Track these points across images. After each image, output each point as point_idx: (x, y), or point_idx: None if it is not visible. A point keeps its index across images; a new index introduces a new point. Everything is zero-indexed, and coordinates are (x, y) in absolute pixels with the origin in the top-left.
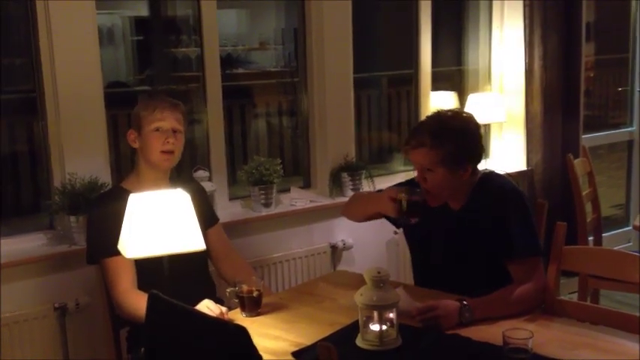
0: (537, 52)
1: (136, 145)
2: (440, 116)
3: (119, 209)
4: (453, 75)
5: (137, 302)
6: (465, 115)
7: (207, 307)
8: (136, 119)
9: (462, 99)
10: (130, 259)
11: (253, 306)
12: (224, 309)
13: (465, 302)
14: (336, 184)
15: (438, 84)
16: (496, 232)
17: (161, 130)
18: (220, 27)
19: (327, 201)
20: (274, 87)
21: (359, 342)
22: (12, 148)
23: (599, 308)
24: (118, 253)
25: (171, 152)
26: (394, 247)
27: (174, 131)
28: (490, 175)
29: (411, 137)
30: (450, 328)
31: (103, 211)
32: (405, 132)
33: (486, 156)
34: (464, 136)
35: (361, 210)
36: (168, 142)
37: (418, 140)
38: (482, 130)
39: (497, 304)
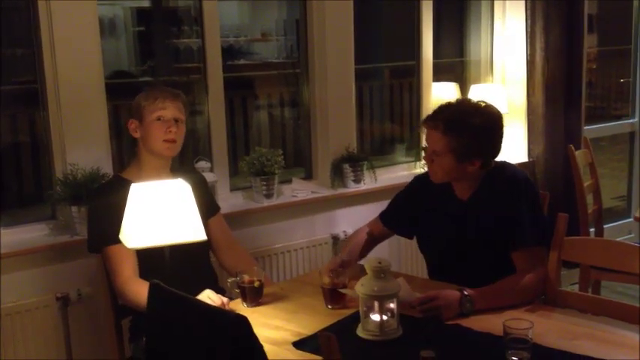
0: (539, 44)
1: (137, 135)
2: (465, 106)
3: (119, 199)
4: (455, 66)
5: (139, 290)
6: (490, 111)
7: (208, 297)
8: (137, 109)
9: (463, 90)
10: (131, 251)
11: (254, 296)
12: (225, 299)
13: (465, 292)
14: (337, 175)
15: (439, 75)
16: (504, 221)
17: (163, 120)
18: (222, 18)
19: (328, 192)
20: (276, 78)
21: (359, 332)
22: (14, 138)
23: (600, 299)
24: (119, 241)
25: (173, 141)
26: (395, 238)
27: (176, 120)
28: (502, 165)
29: (431, 116)
30: (451, 319)
31: (103, 201)
32: (407, 123)
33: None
34: (479, 133)
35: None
36: (170, 131)
37: (435, 122)
38: (503, 128)
39: (498, 294)
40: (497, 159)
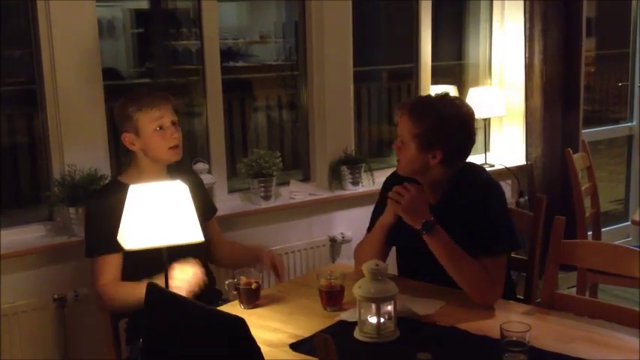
0: (538, 47)
1: (135, 148)
2: (437, 97)
3: (116, 205)
4: (454, 69)
5: (118, 291)
6: (462, 108)
7: (180, 268)
8: (128, 121)
9: (462, 93)
10: (119, 259)
11: (252, 298)
12: (199, 269)
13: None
14: (335, 177)
15: (438, 78)
16: (472, 227)
17: (164, 128)
18: (221, 20)
19: (326, 194)
20: (274, 80)
21: (357, 334)
22: (11, 139)
23: (598, 302)
24: (108, 251)
25: (177, 146)
26: None
27: (174, 123)
28: (476, 169)
29: (402, 104)
30: (408, 212)
31: (100, 207)
32: None
33: (487, 150)
34: (442, 121)
35: (370, 244)
36: (175, 137)
37: (403, 110)
38: (473, 128)
39: (456, 251)
40: (476, 163)
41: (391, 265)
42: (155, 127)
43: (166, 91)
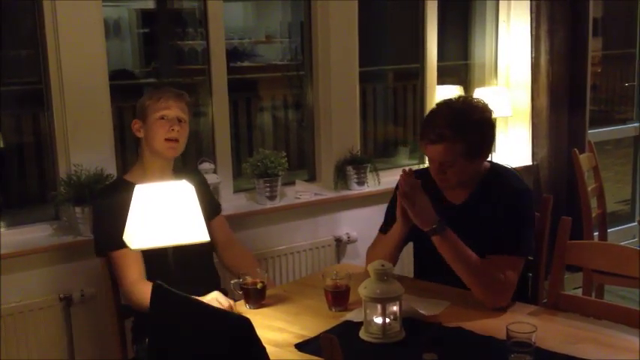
0: (544, 47)
1: (140, 135)
2: (455, 106)
3: (123, 201)
4: (460, 69)
5: (146, 292)
6: (477, 102)
7: (216, 299)
8: (141, 109)
9: (468, 93)
10: (137, 251)
11: (257, 298)
12: (232, 302)
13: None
14: (340, 177)
15: (444, 78)
16: (495, 228)
17: (166, 119)
18: (227, 20)
19: (331, 194)
20: (280, 80)
21: (362, 334)
22: (18, 139)
23: (603, 303)
24: (123, 245)
25: (175, 140)
26: None
27: (179, 120)
28: (497, 171)
29: (429, 131)
30: (418, 216)
31: (106, 204)
32: (411, 126)
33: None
34: (483, 127)
35: (383, 245)
36: (172, 129)
37: (437, 134)
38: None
39: (464, 253)
40: (503, 164)
41: (407, 263)
42: (159, 116)
43: None
